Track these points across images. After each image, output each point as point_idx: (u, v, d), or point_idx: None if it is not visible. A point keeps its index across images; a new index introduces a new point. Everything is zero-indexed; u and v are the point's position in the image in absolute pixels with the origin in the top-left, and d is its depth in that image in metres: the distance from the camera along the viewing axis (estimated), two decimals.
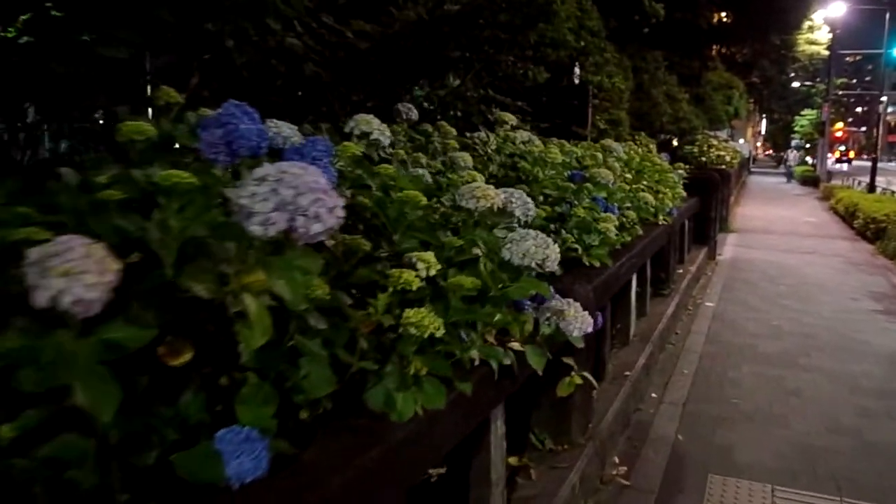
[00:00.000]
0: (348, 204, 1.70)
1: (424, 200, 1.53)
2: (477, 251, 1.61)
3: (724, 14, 16.97)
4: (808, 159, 33.90)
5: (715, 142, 15.18)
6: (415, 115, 3.32)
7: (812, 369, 4.38)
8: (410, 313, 1.26)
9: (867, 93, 55.80)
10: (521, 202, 1.79)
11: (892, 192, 16.28)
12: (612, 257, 3.00)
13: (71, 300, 0.80)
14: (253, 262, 1.07)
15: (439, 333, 1.26)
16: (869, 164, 20.55)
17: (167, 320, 1.04)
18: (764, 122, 51.38)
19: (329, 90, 3.68)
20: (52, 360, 0.85)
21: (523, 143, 3.76)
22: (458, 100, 5.77)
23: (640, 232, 3.77)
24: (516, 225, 1.86)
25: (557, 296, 1.99)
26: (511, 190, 1.87)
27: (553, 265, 1.52)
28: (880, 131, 22.81)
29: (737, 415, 3.55)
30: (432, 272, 1.39)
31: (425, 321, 1.25)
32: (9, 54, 2.03)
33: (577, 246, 2.85)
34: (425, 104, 5.57)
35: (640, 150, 6.18)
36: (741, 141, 34.27)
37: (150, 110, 1.84)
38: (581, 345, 1.96)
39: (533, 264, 1.49)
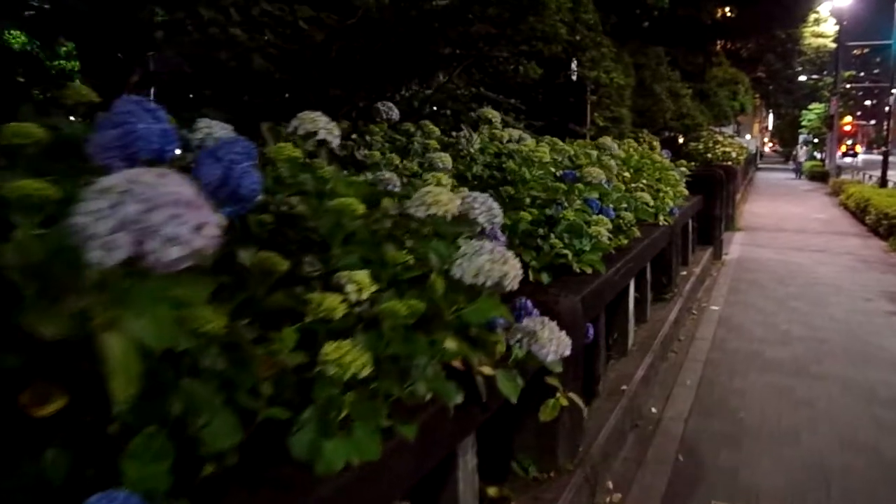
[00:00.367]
0: (286, 214, 1.49)
1: (362, 209, 1.30)
2: (431, 267, 1.38)
3: (727, 9, 16.75)
4: (817, 154, 33.49)
5: (720, 138, 14.97)
6: (396, 114, 3.13)
7: (824, 377, 4.11)
8: (329, 349, 1.03)
9: (876, 85, 55.24)
10: (484, 208, 1.56)
11: None
12: (606, 263, 2.78)
13: None
14: (108, 295, 0.85)
15: (364, 373, 1.04)
16: (879, 157, 20.19)
17: (30, 360, 0.85)
18: (771, 117, 50.82)
19: (311, 90, 3.48)
20: None
21: (510, 141, 3.56)
22: (448, 98, 5.58)
23: (638, 234, 3.54)
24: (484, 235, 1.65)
25: (535, 312, 1.78)
26: (475, 194, 1.64)
27: (514, 283, 1.28)
28: (891, 124, 22.36)
29: (743, 431, 3.29)
30: (364, 295, 1.17)
31: (346, 358, 1.02)
32: None
33: (566, 251, 2.65)
34: (414, 103, 5.37)
35: (640, 147, 5.93)
36: (747, 137, 33.99)
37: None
38: (559, 369, 1.73)
39: (489, 283, 1.25)
